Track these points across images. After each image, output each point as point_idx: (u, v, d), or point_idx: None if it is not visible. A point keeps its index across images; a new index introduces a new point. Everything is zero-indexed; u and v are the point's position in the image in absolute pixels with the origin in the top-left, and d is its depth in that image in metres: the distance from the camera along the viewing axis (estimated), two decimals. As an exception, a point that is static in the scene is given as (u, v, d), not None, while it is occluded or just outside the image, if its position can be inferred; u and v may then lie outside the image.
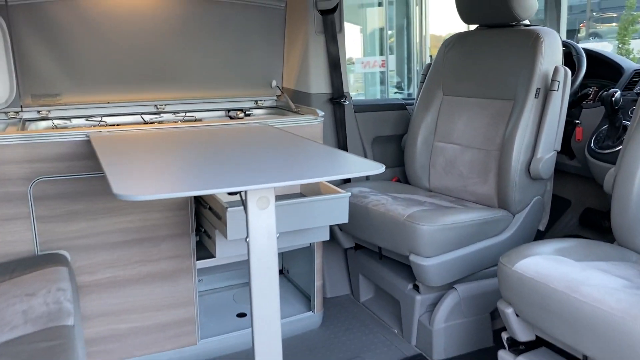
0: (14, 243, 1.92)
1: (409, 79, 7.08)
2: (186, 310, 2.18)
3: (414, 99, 3.03)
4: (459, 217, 2.18)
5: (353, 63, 6.69)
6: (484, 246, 2.25)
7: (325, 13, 2.61)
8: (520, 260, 1.66)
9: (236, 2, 2.51)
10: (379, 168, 1.41)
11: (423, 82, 2.80)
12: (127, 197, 1.14)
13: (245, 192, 1.33)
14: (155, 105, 2.52)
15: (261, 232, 1.37)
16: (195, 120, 2.55)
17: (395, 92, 7.13)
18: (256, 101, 2.73)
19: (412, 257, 2.14)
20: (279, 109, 2.73)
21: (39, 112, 2.32)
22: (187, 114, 2.56)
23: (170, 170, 1.42)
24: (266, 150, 1.68)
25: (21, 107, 2.29)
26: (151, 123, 2.43)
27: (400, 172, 2.94)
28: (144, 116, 2.47)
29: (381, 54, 6.93)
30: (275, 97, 2.78)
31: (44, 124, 2.31)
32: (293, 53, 2.72)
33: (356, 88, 7.07)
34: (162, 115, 2.52)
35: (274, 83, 2.70)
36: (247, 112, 2.63)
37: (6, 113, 2.27)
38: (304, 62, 2.66)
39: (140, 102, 2.48)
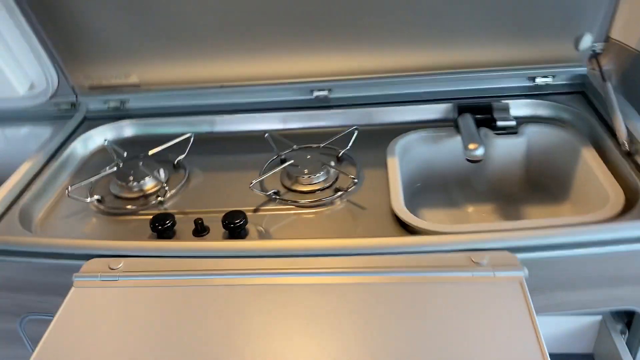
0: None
1: None
2: None
3: None
4: None
5: None
6: None
7: None
8: None
9: None
10: None
11: None
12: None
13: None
14: (311, 90, 1.23)
15: None
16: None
17: None
18: (533, 78, 1.19)
19: None
20: (586, 108, 1.14)
21: (105, 101, 1.29)
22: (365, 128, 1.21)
23: None
24: None
25: (75, 95, 1.28)
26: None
27: None
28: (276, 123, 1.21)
29: None
30: (584, 68, 1.17)
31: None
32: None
33: None
34: (324, 106, 1.23)
35: (587, 40, 1.10)
36: (499, 116, 1.13)
37: (57, 105, 1.30)
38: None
39: (283, 82, 1.22)
